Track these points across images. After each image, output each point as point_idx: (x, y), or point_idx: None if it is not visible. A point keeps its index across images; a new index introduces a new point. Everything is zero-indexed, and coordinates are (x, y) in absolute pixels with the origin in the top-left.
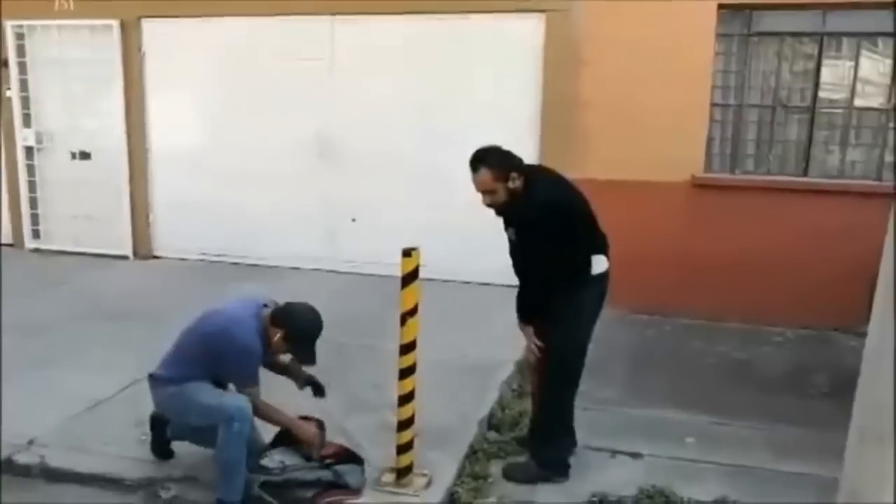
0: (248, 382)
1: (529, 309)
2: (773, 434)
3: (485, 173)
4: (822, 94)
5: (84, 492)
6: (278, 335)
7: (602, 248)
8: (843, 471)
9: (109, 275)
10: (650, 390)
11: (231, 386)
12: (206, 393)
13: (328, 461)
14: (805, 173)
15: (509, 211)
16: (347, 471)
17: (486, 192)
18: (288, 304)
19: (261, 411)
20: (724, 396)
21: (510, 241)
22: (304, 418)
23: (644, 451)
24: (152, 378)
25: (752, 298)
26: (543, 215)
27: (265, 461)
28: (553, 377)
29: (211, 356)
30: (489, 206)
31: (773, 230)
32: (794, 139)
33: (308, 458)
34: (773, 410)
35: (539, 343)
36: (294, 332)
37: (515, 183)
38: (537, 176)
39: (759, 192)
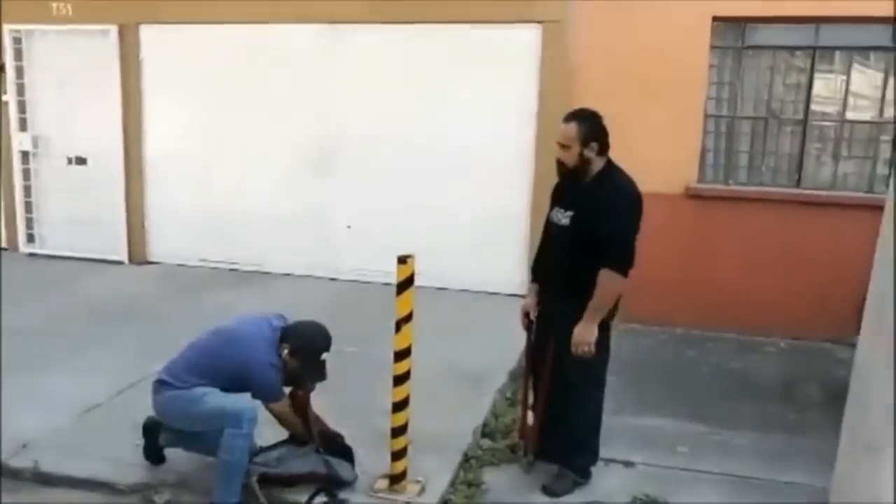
0: (276, 398)
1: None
2: (765, 443)
3: (573, 128)
4: (814, 106)
5: (77, 496)
6: (286, 351)
7: None
8: (833, 479)
9: (104, 279)
10: (644, 399)
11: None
12: (214, 396)
13: (321, 450)
14: (798, 185)
15: (578, 190)
16: (339, 463)
17: (563, 145)
18: (297, 323)
19: (287, 420)
20: (717, 406)
21: (556, 224)
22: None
23: (637, 459)
24: (159, 383)
25: (745, 309)
26: (622, 200)
27: (261, 458)
28: (586, 385)
29: (229, 378)
30: (558, 161)
31: (766, 241)
32: (788, 151)
33: (303, 443)
34: (765, 420)
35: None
36: (301, 348)
37: (590, 154)
38: (618, 169)
39: (753, 204)
